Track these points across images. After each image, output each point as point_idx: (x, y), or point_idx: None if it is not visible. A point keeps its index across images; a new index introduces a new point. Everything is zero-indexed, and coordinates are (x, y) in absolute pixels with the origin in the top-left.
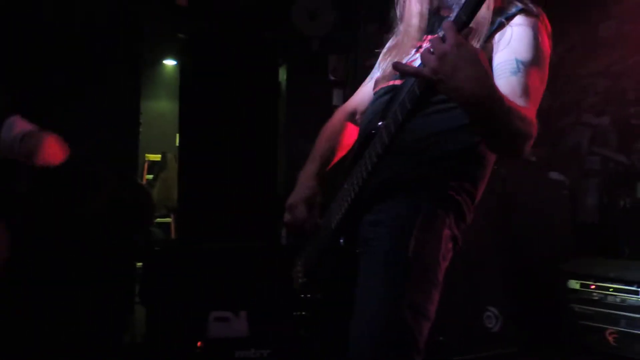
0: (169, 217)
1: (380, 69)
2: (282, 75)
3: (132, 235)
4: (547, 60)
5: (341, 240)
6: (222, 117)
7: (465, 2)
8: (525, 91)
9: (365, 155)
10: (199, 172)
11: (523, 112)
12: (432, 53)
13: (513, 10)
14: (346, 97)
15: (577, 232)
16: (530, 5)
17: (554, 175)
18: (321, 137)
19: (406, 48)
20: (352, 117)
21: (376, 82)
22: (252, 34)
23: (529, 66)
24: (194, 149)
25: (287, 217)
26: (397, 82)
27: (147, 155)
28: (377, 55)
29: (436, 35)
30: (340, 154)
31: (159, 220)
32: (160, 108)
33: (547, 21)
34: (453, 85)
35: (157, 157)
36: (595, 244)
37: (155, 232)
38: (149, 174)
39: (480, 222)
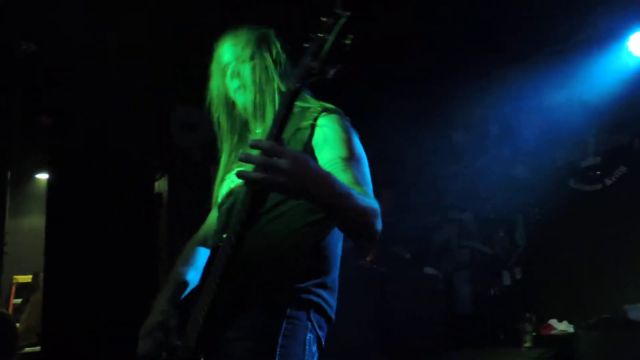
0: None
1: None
2: (164, 185)
3: None
4: (358, 144)
5: (201, 359)
6: (96, 233)
7: (274, 120)
8: (358, 181)
9: (213, 269)
10: (69, 294)
11: (360, 192)
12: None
13: (316, 113)
14: None
15: (454, 322)
16: (327, 104)
17: (429, 270)
18: (176, 264)
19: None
20: (204, 243)
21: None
22: (126, 147)
23: (351, 160)
24: (63, 269)
25: (141, 347)
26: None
27: (15, 277)
28: None
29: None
30: (196, 277)
31: (27, 350)
32: (32, 224)
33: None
34: (306, 191)
35: (27, 279)
36: (473, 332)
37: None
38: (17, 297)
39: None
